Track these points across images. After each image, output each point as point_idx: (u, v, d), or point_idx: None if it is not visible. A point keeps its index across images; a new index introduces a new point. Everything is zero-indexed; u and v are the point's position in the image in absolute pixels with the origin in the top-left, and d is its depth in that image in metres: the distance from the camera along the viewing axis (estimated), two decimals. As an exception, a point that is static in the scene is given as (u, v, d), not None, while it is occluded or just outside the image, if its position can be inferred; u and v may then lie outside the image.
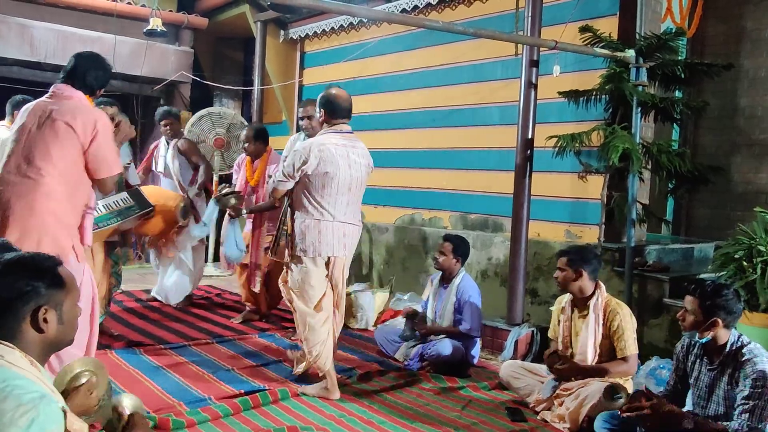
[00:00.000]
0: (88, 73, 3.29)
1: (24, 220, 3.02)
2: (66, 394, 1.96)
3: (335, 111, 3.84)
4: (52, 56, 7.23)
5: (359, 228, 3.97)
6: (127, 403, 1.98)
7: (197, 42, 8.53)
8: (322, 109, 3.86)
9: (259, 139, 5.24)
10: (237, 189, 5.15)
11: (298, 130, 5.44)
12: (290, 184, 3.78)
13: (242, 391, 3.78)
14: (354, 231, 3.90)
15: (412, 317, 4.71)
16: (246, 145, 5.26)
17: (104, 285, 4.56)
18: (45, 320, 1.65)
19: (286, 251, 3.92)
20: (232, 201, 4.86)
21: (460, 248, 4.61)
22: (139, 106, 8.49)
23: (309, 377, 4.04)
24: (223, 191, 4.92)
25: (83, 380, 2.02)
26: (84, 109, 3.20)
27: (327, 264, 3.82)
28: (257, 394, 3.71)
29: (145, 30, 5.81)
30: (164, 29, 6.23)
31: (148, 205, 4.31)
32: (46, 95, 3.30)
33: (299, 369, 4.08)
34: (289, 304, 4.00)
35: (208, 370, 4.19)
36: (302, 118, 4.89)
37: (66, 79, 3.27)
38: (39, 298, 1.65)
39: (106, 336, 4.66)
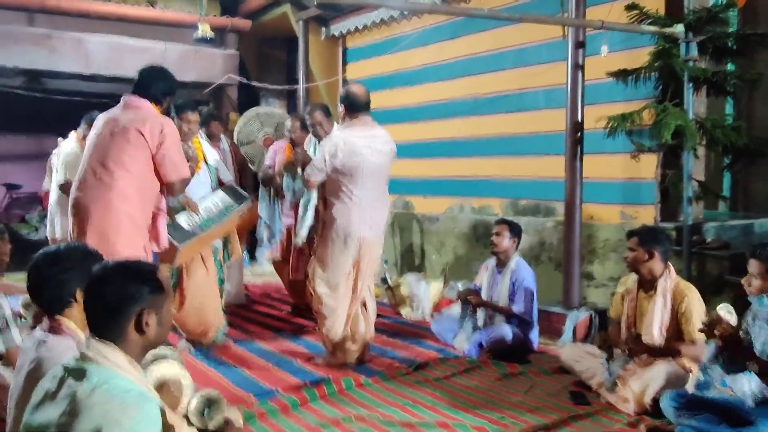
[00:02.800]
0: (152, 84, 3.50)
1: (100, 220, 3.20)
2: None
3: (354, 105, 4.17)
4: (105, 68, 7.49)
5: (386, 209, 4.38)
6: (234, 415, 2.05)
7: (241, 44, 8.70)
8: (342, 105, 4.20)
9: (305, 128, 5.36)
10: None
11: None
12: (322, 176, 4.12)
13: (307, 381, 3.90)
14: (381, 212, 4.29)
15: (466, 299, 4.71)
16: (293, 133, 5.42)
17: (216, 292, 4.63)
18: (147, 323, 1.74)
19: (317, 233, 4.32)
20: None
21: (516, 229, 4.64)
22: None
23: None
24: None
25: (170, 382, 2.11)
26: (152, 116, 3.40)
27: (357, 246, 4.12)
28: (322, 384, 3.82)
29: (194, 37, 5.97)
30: (213, 35, 6.38)
31: (245, 198, 4.42)
32: (118, 105, 3.51)
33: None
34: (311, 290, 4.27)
35: (272, 363, 4.32)
36: (312, 125, 5.02)
37: (134, 90, 3.49)
38: (143, 301, 1.74)
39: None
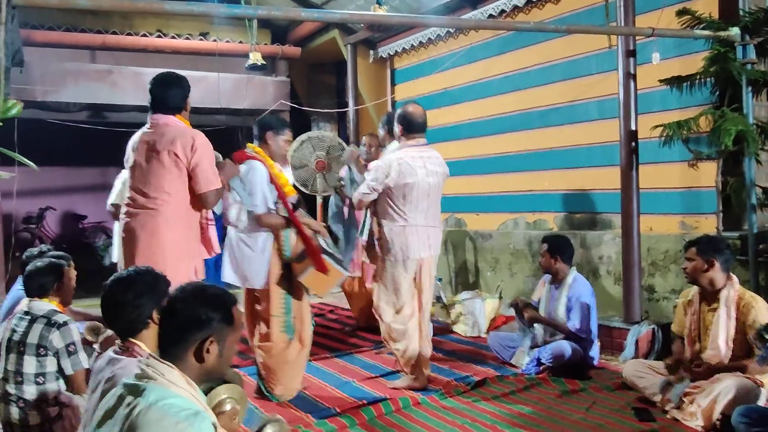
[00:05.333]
0: (166, 96, 3.44)
1: (147, 248, 3.29)
2: None
3: (411, 126, 4.19)
4: (162, 99, 7.77)
5: (440, 230, 4.37)
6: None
7: (292, 71, 8.90)
8: (399, 125, 4.21)
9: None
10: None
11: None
12: (374, 196, 4.16)
13: (365, 401, 3.89)
14: (436, 232, 4.28)
15: (521, 309, 4.63)
16: (370, 150, 5.57)
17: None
18: (208, 351, 1.74)
19: (372, 255, 4.32)
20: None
21: (559, 248, 4.53)
22: (244, 138, 8.94)
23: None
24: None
25: (227, 407, 2.13)
26: (180, 133, 3.38)
27: (416, 267, 4.15)
28: (380, 403, 3.81)
29: (246, 65, 6.14)
30: (264, 62, 6.55)
31: (340, 261, 4.13)
32: (146, 126, 3.50)
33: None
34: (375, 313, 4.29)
35: (330, 383, 4.34)
36: (367, 146, 5.37)
37: (154, 109, 3.46)
38: (210, 329, 1.75)
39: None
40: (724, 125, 4.25)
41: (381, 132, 5.08)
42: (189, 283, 1.83)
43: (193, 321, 1.73)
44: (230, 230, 3.95)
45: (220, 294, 1.82)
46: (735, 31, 4.46)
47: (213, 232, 3.55)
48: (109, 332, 3.20)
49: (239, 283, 3.94)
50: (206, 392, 2.02)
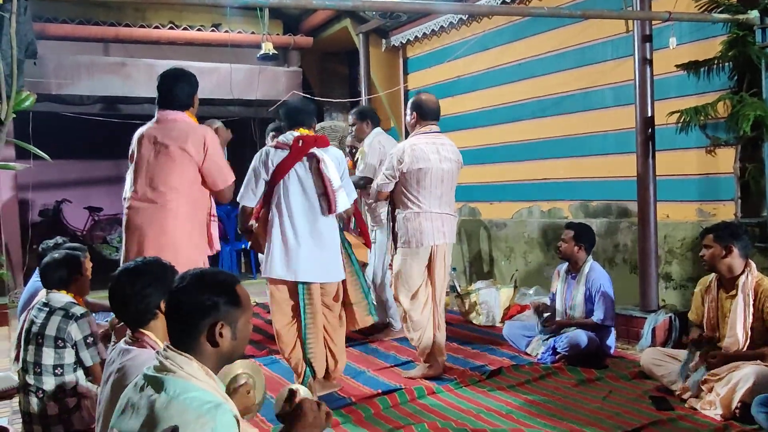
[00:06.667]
0: (175, 93, 3.42)
1: (157, 242, 3.29)
2: (227, 393, 2.11)
3: (425, 114, 4.21)
4: (176, 90, 7.79)
5: (455, 218, 4.32)
6: (302, 392, 1.98)
7: (304, 61, 8.88)
8: (414, 112, 4.23)
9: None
10: None
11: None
12: (392, 185, 4.16)
13: (380, 390, 3.90)
14: (450, 220, 4.24)
15: (541, 312, 4.65)
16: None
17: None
18: (221, 335, 1.72)
19: (392, 245, 4.29)
20: None
21: (583, 236, 4.51)
22: (257, 128, 8.95)
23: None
24: None
25: (242, 381, 2.15)
26: (191, 129, 3.38)
27: (429, 254, 4.13)
28: (395, 393, 3.81)
29: (258, 55, 6.13)
30: (276, 52, 6.54)
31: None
32: (152, 121, 3.46)
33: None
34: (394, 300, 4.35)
35: (346, 373, 4.34)
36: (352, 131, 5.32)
37: (162, 104, 3.43)
38: (217, 313, 1.72)
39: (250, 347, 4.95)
40: (742, 110, 4.19)
41: (352, 120, 5.22)
42: (187, 272, 1.80)
43: (199, 309, 1.71)
44: (302, 223, 3.66)
45: (220, 277, 1.79)
46: (754, 14, 4.37)
47: (215, 228, 3.55)
48: None
49: (321, 279, 3.73)
50: None
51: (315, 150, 3.68)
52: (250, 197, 3.72)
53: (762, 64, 4.33)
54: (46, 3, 7.12)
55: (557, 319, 4.57)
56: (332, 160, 3.72)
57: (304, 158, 3.68)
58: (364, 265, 4.08)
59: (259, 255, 5.96)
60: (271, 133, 5.84)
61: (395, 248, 4.23)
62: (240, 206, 3.78)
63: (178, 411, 1.57)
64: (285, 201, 3.67)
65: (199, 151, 3.36)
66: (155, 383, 1.66)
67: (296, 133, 3.71)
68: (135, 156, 3.47)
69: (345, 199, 3.74)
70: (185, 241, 3.37)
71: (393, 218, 4.25)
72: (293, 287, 3.72)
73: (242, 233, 4.00)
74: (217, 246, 3.61)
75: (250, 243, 4.05)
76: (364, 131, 5.23)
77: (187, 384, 1.64)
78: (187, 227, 3.39)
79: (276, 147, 3.71)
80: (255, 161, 3.73)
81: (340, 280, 3.83)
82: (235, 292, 1.77)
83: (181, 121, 3.42)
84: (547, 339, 4.53)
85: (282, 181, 3.66)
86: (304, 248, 3.66)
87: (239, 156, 7.15)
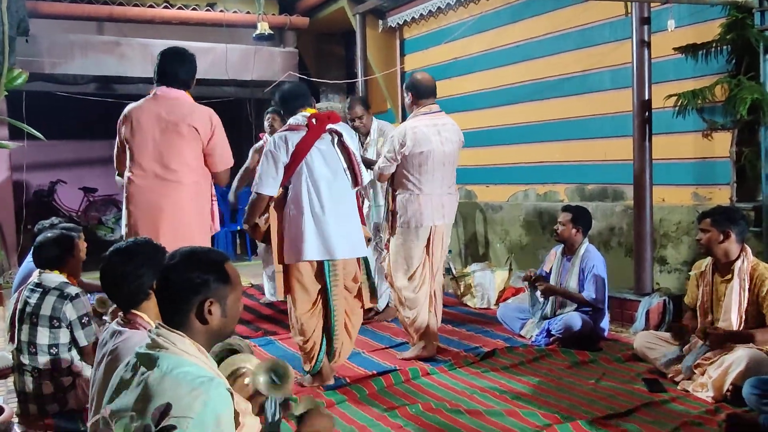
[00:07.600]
0: (178, 71, 3.38)
1: (174, 220, 3.27)
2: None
3: (421, 93, 4.18)
4: (170, 70, 7.72)
5: (456, 197, 4.35)
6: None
7: (300, 42, 8.81)
8: (409, 93, 4.21)
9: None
10: None
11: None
12: (393, 168, 4.16)
13: (375, 372, 3.92)
14: (450, 200, 4.27)
15: (533, 283, 4.62)
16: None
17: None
18: (210, 312, 1.74)
19: (388, 226, 4.29)
20: None
21: (581, 219, 4.51)
22: (252, 109, 8.90)
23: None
24: None
25: (241, 372, 2.13)
26: (196, 108, 3.36)
27: (428, 234, 4.15)
28: (389, 374, 3.83)
29: (254, 35, 6.08)
30: (271, 32, 6.48)
31: None
32: (149, 97, 3.39)
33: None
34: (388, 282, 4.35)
35: (340, 354, 4.36)
36: (352, 119, 5.10)
37: (161, 81, 3.39)
38: (207, 290, 1.74)
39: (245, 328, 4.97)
40: (740, 94, 4.17)
41: (360, 112, 5.10)
42: (177, 250, 1.81)
43: (188, 286, 1.73)
44: (329, 201, 3.57)
45: (210, 255, 1.81)
46: (753, -3, 4.35)
47: (216, 209, 3.54)
48: None
49: (351, 254, 3.66)
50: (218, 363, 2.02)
51: (333, 125, 3.63)
52: (270, 184, 3.53)
53: (760, 47, 4.31)
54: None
55: (550, 300, 4.57)
56: (348, 134, 3.73)
57: (324, 135, 3.61)
58: (368, 240, 4.01)
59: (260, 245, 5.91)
60: (268, 115, 5.81)
61: (392, 229, 4.23)
62: (254, 198, 3.58)
63: (172, 385, 1.59)
64: (311, 179, 3.54)
65: (206, 129, 3.35)
66: (148, 360, 1.67)
67: (306, 113, 3.63)
68: (133, 131, 3.38)
69: (366, 172, 3.77)
70: (201, 221, 3.38)
71: (393, 198, 4.24)
72: (319, 268, 3.61)
73: (247, 227, 3.76)
74: (217, 226, 3.61)
75: (255, 235, 3.82)
76: (371, 121, 5.22)
77: (180, 359, 1.66)
78: (202, 205, 3.40)
79: (290, 129, 3.59)
80: (269, 147, 3.54)
81: (360, 257, 3.76)
82: (224, 269, 1.78)
83: (183, 99, 3.39)
84: (542, 320, 4.54)
85: (303, 161, 3.54)
86: (333, 225, 3.56)
87: (235, 137, 7.10)
